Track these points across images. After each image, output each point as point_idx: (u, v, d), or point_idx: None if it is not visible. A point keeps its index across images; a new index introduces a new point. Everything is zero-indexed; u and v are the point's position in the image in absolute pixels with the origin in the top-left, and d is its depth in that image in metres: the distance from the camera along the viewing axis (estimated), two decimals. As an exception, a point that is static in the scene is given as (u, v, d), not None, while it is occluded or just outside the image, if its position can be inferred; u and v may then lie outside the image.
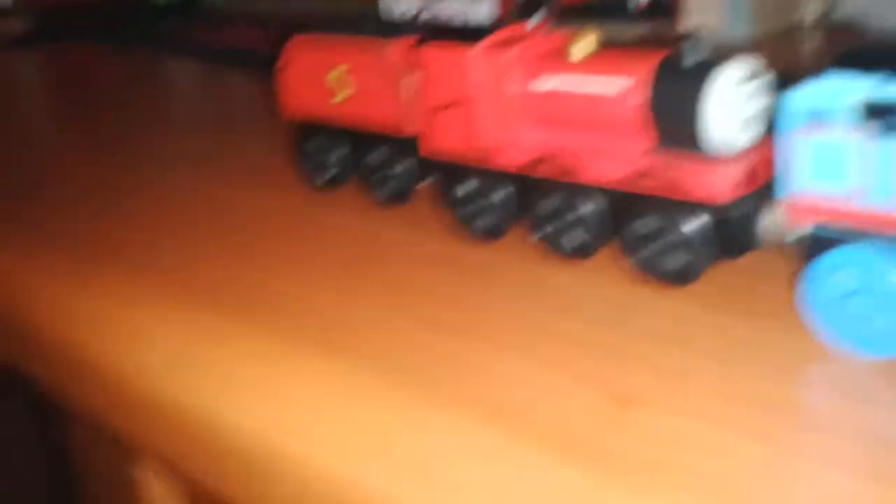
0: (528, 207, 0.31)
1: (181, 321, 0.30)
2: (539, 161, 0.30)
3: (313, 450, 0.24)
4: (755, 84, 0.27)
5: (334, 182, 0.39)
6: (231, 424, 0.26)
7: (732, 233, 0.27)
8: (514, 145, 0.30)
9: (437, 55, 0.31)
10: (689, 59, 0.26)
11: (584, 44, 0.29)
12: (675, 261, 0.27)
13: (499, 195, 0.32)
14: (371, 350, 0.26)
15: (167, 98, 0.66)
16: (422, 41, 0.32)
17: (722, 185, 0.26)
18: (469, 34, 0.32)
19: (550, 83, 0.29)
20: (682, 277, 0.27)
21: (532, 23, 0.67)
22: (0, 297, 0.35)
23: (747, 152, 0.27)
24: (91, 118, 0.59)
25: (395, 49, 0.34)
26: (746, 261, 0.28)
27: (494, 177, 0.31)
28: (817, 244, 0.24)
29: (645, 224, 0.27)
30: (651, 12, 0.70)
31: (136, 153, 0.49)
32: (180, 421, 0.27)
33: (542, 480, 0.21)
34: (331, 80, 0.36)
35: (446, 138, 0.32)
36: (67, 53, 0.84)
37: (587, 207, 0.29)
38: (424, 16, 0.64)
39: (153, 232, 0.37)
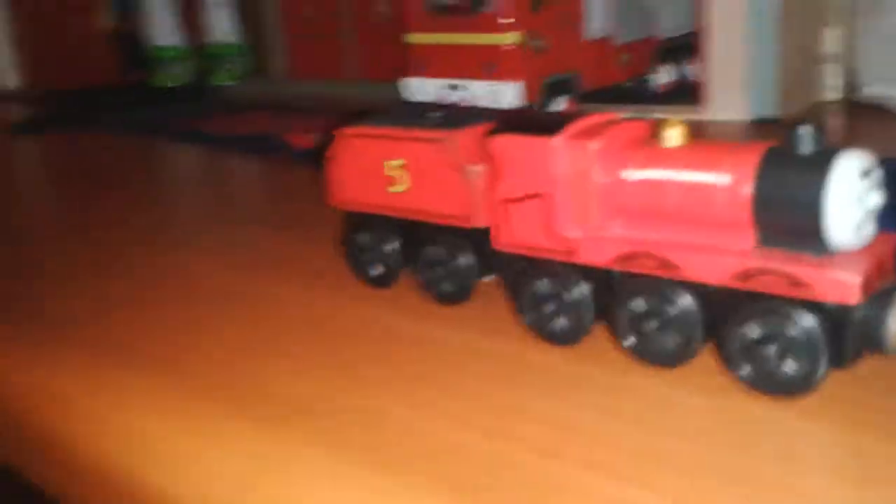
0: (611, 308, 0.29)
1: (231, 438, 0.27)
2: (628, 257, 0.28)
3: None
4: (872, 177, 0.25)
5: (387, 277, 0.36)
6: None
7: (855, 337, 0.25)
8: (600, 240, 0.28)
9: (517, 144, 0.29)
10: (804, 149, 0.25)
11: (676, 132, 0.27)
12: (790, 368, 0.25)
13: (579, 293, 0.29)
14: (459, 477, 0.24)
15: (181, 185, 0.64)
16: (494, 131, 0.30)
17: (847, 284, 0.24)
18: (544, 124, 0.30)
19: (645, 172, 0.27)
20: (798, 387, 0.25)
21: (556, 106, 0.66)
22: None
23: (865, 250, 0.25)
24: (101, 206, 0.56)
25: (462, 138, 0.32)
26: (860, 370, 0.26)
27: (575, 273, 0.29)
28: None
29: (755, 328, 0.25)
30: (674, 95, 0.70)
31: (161, 241, 0.47)
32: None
33: None
34: (389, 169, 0.34)
35: (524, 231, 0.30)
36: (72, 140, 0.82)
37: (684, 305, 0.27)
38: (453, 98, 0.64)
39: (176, 331, 0.34)
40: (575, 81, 0.64)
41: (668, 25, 0.71)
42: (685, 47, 0.71)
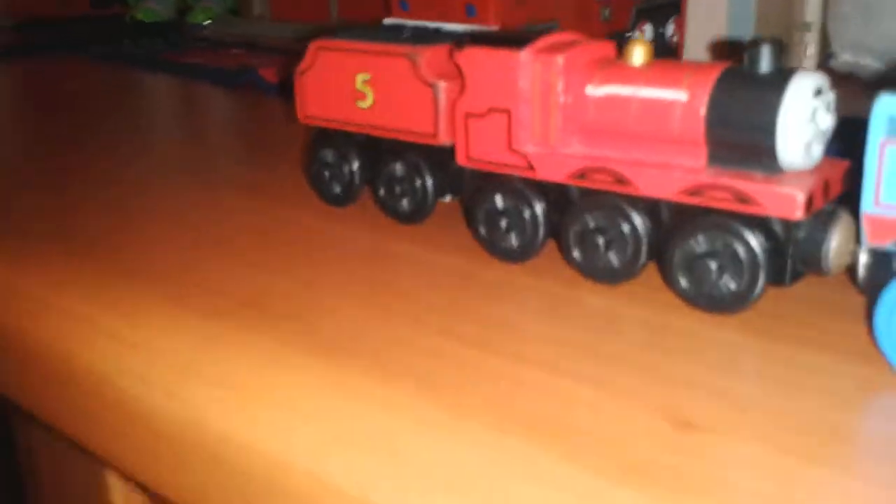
0: (563, 225, 0.29)
1: (183, 329, 0.27)
2: (584, 172, 0.28)
3: (341, 469, 0.21)
4: (824, 97, 0.25)
5: (348, 195, 0.36)
6: (232, 435, 0.23)
7: (797, 255, 0.25)
8: (559, 156, 0.29)
9: (484, 57, 0.29)
10: (762, 68, 0.25)
11: (640, 51, 0.28)
12: (731, 283, 0.26)
13: (536, 209, 0.30)
14: (399, 364, 0.24)
15: (155, 111, 0.64)
16: (461, 44, 0.31)
17: (793, 201, 0.24)
18: (511, 39, 0.30)
19: (607, 88, 0.27)
20: (736, 302, 0.26)
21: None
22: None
23: (814, 171, 0.26)
24: (76, 129, 0.56)
25: (430, 53, 0.32)
26: (795, 289, 0.26)
27: (532, 189, 0.30)
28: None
29: (701, 242, 0.26)
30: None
31: (129, 163, 0.47)
32: (177, 439, 0.25)
33: (600, 502, 0.18)
34: (358, 84, 0.34)
35: (485, 147, 0.30)
36: (47, 65, 0.81)
37: (636, 223, 0.27)
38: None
39: (153, 240, 0.34)
40: (554, 31, 0.64)
41: (650, -15, 0.71)
42: (665, 7, 0.71)
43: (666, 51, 0.70)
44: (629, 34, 0.70)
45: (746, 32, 0.62)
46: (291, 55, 0.73)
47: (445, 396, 0.22)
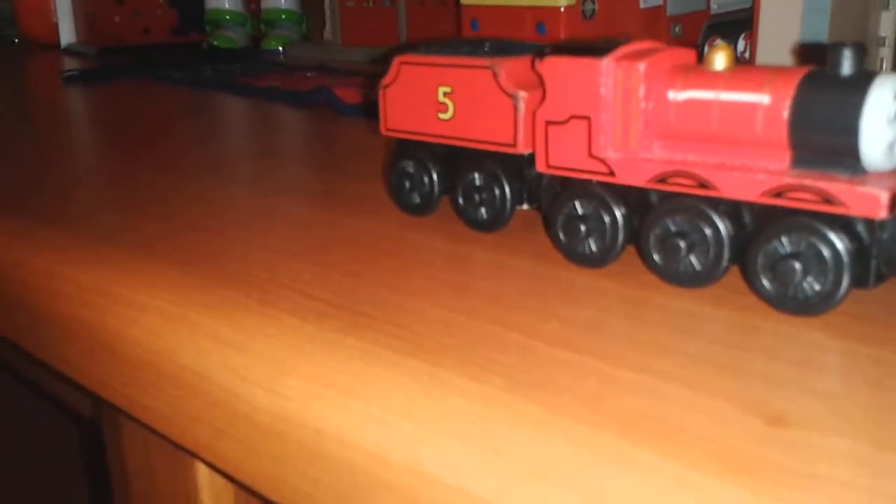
0: (643, 230, 0.30)
1: (279, 330, 0.28)
2: (665, 176, 0.29)
3: (439, 462, 0.22)
4: (907, 101, 0.25)
5: (427, 204, 0.37)
6: (330, 430, 0.24)
7: (881, 256, 0.25)
8: (640, 160, 0.29)
9: (566, 66, 0.30)
10: (844, 71, 0.25)
11: (721, 56, 0.28)
12: (816, 285, 0.26)
13: (616, 214, 0.30)
14: (490, 361, 0.25)
15: (236, 132, 0.66)
16: (542, 54, 0.31)
17: (877, 201, 0.24)
18: (592, 48, 0.31)
19: (689, 93, 0.28)
20: (820, 303, 0.26)
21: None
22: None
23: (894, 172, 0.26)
24: (156, 147, 0.58)
25: (510, 65, 0.33)
26: (878, 291, 0.26)
27: (612, 194, 0.30)
28: None
29: (785, 244, 0.26)
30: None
31: (213, 179, 0.49)
32: (275, 434, 0.26)
33: (699, 498, 0.19)
34: (440, 96, 0.35)
35: (566, 154, 0.31)
36: (127, 89, 0.84)
37: (718, 226, 0.28)
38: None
39: (244, 249, 0.36)
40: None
41: (720, 0, 0.71)
42: (736, 23, 0.71)
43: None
44: (700, 50, 0.70)
45: (819, 45, 0.62)
46: (367, 76, 0.75)
47: (536, 392, 0.23)
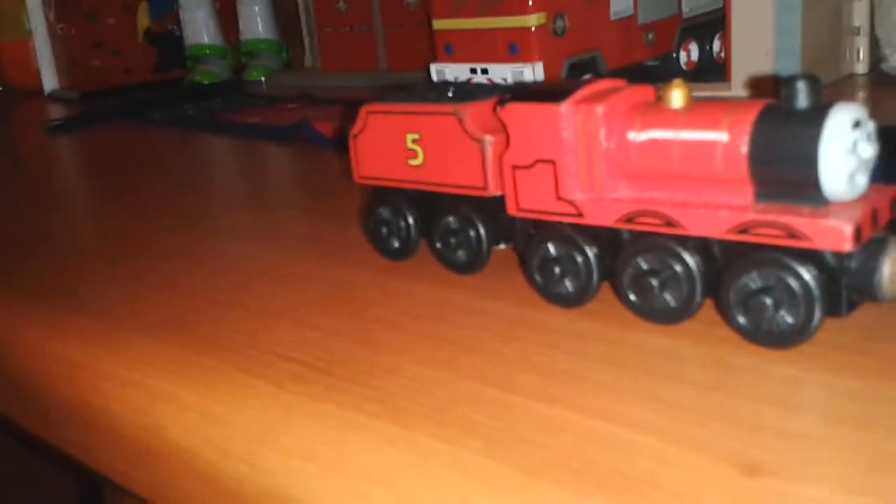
0: (616, 268, 0.30)
1: (259, 400, 0.28)
2: (633, 216, 0.29)
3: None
4: (864, 128, 0.25)
5: (405, 249, 0.38)
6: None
7: (851, 285, 0.25)
8: (606, 201, 0.29)
9: (525, 112, 0.30)
10: (799, 103, 0.25)
11: (678, 94, 0.28)
12: (789, 317, 0.26)
13: (586, 255, 0.30)
14: (467, 421, 0.25)
15: (215, 173, 0.66)
16: (503, 101, 0.31)
17: (841, 234, 0.24)
18: (551, 92, 0.31)
19: (648, 133, 0.28)
20: (794, 336, 0.26)
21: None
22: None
23: (860, 200, 0.26)
24: (138, 194, 0.58)
25: (474, 109, 0.33)
26: (852, 318, 0.26)
27: (582, 235, 0.30)
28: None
29: (755, 279, 0.26)
30: (701, 70, 0.70)
31: (193, 227, 0.49)
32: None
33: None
34: (408, 143, 0.35)
35: (534, 197, 0.31)
36: (109, 135, 0.85)
37: (688, 263, 0.28)
38: (475, 81, 0.65)
39: (223, 310, 0.36)
40: (598, 61, 0.65)
41: (691, 4, 0.71)
42: (709, 24, 0.71)
43: (714, 67, 0.70)
44: (675, 55, 0.70)
45: (794, 42, 0.62)
46: (344, 106, 0.75)
47: (513, 453, 0.23)
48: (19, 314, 0.39)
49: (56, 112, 1.03)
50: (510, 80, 0.62)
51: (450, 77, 0.65)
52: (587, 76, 0.64)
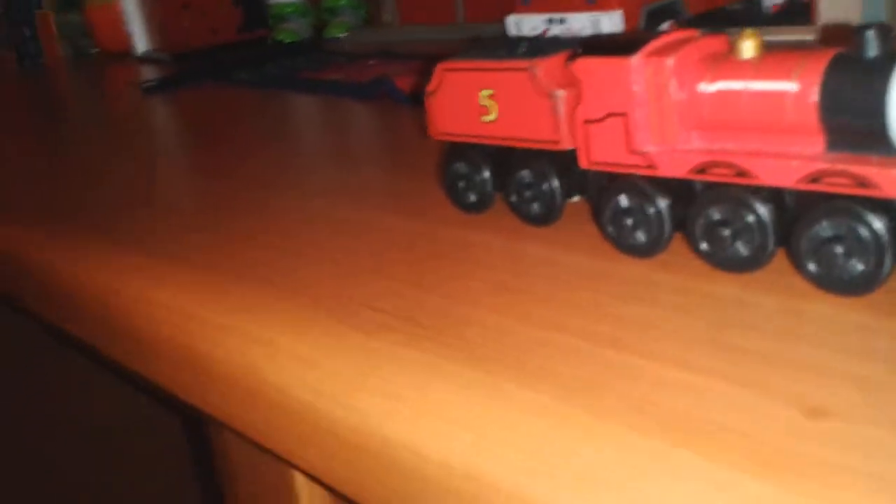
0: (689, 218, 0.30)
1: (348, 346, 0.30)
2: (705, 167, 0.29)
3: (496, 469, 0.24)
4: (940, 74, 0.25)
5: (482, 203, 0.39)
6: (398, 440, 0.26)
7: (924, 232, 0.25)
8: (678, 152, 0.30)
9: (597, 66, 0.31)
10: (869, 52, 0.25)
11: (749, 44, 0.28)
12: (859, 266, 0.26)
13: (658, 206, 0.31)
14: (538, 368, 0.26)
15: (297, 132, 0.68)
16: (575, 56, 0.32)
17: (914, 181, 0.24)
18: (622, 45, 0.31)
19: (719, 84, 0.28)
20: (864, 284, 0.26)
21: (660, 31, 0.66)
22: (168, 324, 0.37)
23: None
24: (225, 153, 0.61)
25: (545, 66, 0.34)
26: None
27: (655, 186, 0.31)
28: None
29: (826, 227, 0.26)
30: (786, 14, 0.68)
31: (276, 185, 0.51)
32: (353, 445, 0.28)
33: (734, 498, 0.20)
34: (482, 99, 0.36)
35: (606, 150, 0.32)
36: (201, 94, 0.88)
37: (760, 213, 0.28)
38: (555, 32, 0.65)
39: (312, 263, 0.38)
40: (678, 7, 0.64)
41: (775, -56, 0.69)
42: None
43: (799, 10, 0.68)
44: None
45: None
46: (423, 61, 0.76)
47: (586, 398, 0.24)
48: (124, 266, 0.41)
49: (148, 73, 1.07)
50: (587, 31, 0.62)
51: (526, 29, 0.65)
52: (666, 23, 0.64)
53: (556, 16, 0.64)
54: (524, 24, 0.66)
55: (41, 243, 0.47)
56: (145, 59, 1.19)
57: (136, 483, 0.92)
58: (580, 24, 0.63)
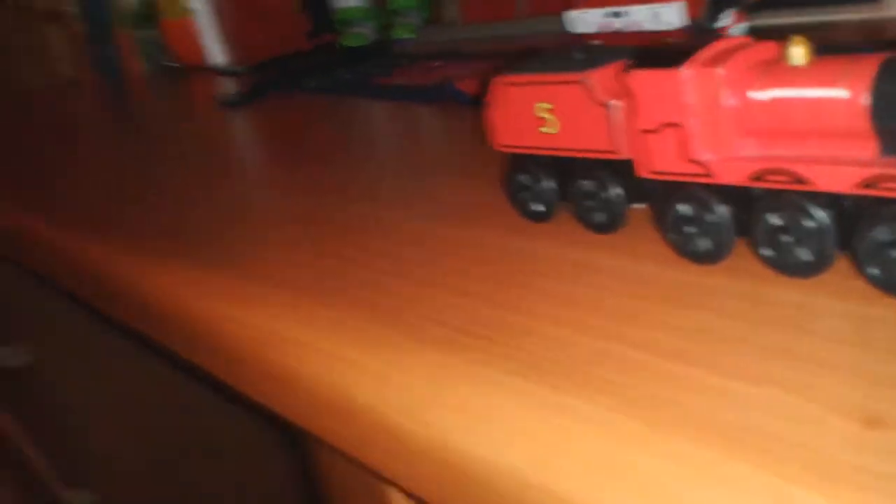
0: (750, 224, 0.31)
1: (420, 362, 0.31)
2: (762, 174, 0.29)
3: (561, 481, 0.25)
4: None
5: (546, 212, 0.40)
6: (476, 457, 0.27)
7: None
8: (734, 160, 0.30)
9: (648, 78, 0.31)
10: (920, 56, 0.25)
11: (799, 51, 0.28)
12: (922, 266, 0.26)
13: (720, 213, 0.31)
14: (600, 380, 0.27)
15: (370, 139, 0.70)
16: (627, 68, 0.33)
17: (970, 183, 0.24)
18: (672, 56, 0.32)
19: (770, 92, 0.29)
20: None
21: (723, 20, 0.65)
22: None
23: None
24: (302, 168, 0.63)
25: (599, 77, 0.35)
26: None
27: (713, 194, 0.31)
28: None
29: (884, 231, 0.27)
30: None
31: (348, 193, 0.53)
32: (426, 453, 0.29)
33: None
34: (539, 112, 0.37)
35: (664, 159, 0.32)
36: (276, 103, 0.90)
37: (819, 218, 0.28)
38: (616, 25, 0.65)
39: (385, 277, 0.40)
40: (740, -5, 0.63)
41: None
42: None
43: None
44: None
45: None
46: (484, 61, 0.77)
47: (642, 410, 0.25)
48: (212, 284, 0.44)
49: (225, 86, 1.11)
50: (649, 23, 0.62)
51: (581, 26, 0.65)
52: (730, 9, 0.63)
53: (617, 9, 0.64)
54: (584, 18, 0.66)
55: (144, 268, 0.50)
56: (222, 72, 1.23)
57: (241, 498, 0.96)
58: (642, 16, 0.63)
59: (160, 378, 1.00)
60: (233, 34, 1.22)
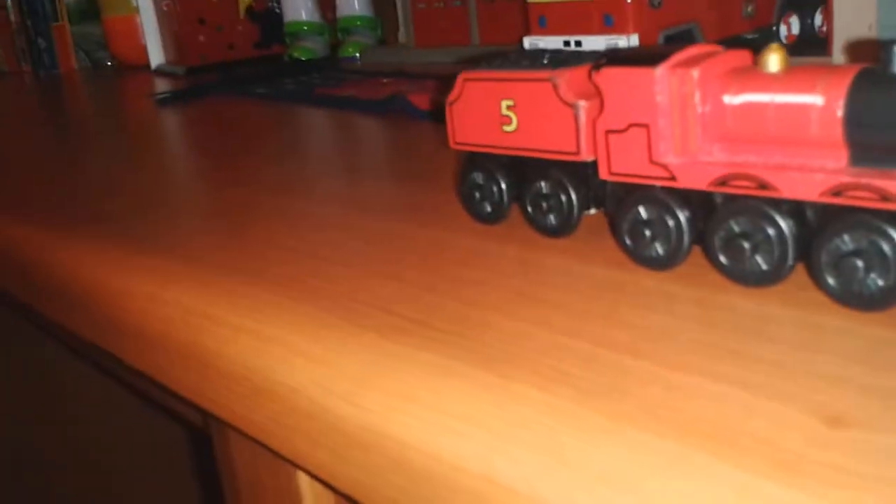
0: (709, 231, 0.30)
1: (361, 346, 0.30)
2: (726, 179, 0.29)
3: (510, 470, 0.23)
4: (967, 92, 0.25)
5: (497, 213, 0.39)
6: (410, 441, 0.26)
7: (947, 248, 0.25)
8: (700, 164, 0.30)
9: (621, 76, 0.31)
10: (894, 68, 0.25)
11: (775, 58, 0.28)
12: (879, 280, 0.26)
13: (680, 218, 0.31)
14: (553, 370, 0.26)
15: (313, 144, 0.69)
16: (598, 66, 0.32)
17: (938, 195, 0.24)
18: (647, 56, 0.31)
19: (744, 97, 0.28)
20: (885, 298, 0.26)
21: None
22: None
23: (960, 163, 0.26)
24: (239, 162, 0.61)
25: (569, 75, 0.34)
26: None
27: (675, 198, 0.31)
28: None
29: (846, 241, 0.26)
30: (800, 45, 0.69)
31: (290, 192, 0.51)
32: (363, 445, 0.28)
33: (759, 500, 0.20)
34: (503, 109, 0.36)
35: (627, 161, 0.32)
36: (213, 106, 0.88)
37: (781, 226, 0.28)
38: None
39: (324, 265, 0.38)
40: (695, 33, 0.64)
41: (792, -24, 0.69)
42: (810, -2, 0.69)
43: (815, 41, 0.68)
44: (775, 28, 0.69)
45: (899, 15, 0.60)
46: (440, 80, 0.77)
47: (601, 401, 0.24)
48: (136, 266, 0.41)
49: (163, 85, 1.08)
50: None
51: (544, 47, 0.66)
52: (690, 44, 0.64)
53: (573, 38, 0.65)
54: (540, 46, 0.67)
55: (54, 244, 0.47)
56: (160, 72, 1.20)
57: (139, 494, 0.91)
58: (597, 47, 0.63)
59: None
60: (176, 36, 1.19)
